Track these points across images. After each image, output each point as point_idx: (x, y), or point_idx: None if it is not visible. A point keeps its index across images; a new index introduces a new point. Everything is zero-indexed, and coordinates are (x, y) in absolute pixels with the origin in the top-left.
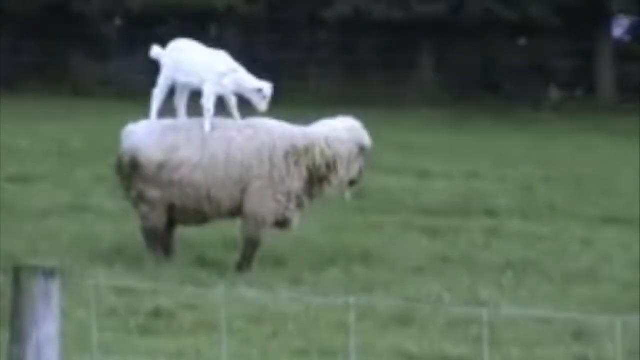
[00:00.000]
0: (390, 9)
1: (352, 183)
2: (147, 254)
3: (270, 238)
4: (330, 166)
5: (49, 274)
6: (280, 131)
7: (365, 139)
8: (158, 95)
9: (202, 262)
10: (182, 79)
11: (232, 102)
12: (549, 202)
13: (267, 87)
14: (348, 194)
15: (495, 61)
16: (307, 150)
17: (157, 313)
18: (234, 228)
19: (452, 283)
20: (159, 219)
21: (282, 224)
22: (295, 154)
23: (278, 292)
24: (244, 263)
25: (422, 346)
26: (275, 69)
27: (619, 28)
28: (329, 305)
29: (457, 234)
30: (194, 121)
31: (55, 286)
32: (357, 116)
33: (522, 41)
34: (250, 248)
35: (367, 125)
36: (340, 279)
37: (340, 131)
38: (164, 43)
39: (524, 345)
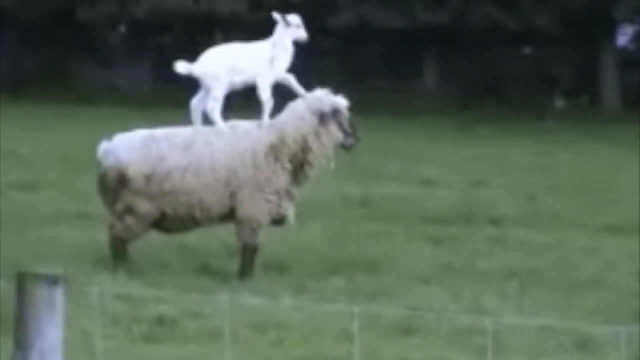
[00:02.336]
0: (394, 17)
1: (345, 147)
2: (148, 262)
3: (273, 246)
4: (305, 148)
5: (53, 281)
6: (256, 133)
7: (326, 103)
8: (217, 108)
9: (206, 270)
10: (238, 79)
11: (292, 81)
12: (553, 211)
13: (289, 18)
14: (332, 164)
15: (499, 70)
16: (282, 142)
17: (160, 321)
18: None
19: (456, 292)
20: (142, 232)
21: (278, 221)
22: (274, 151)
23: (282, 300)
24: (245, 270)
25: (426, 355)
26: None
27: (624, 36)
28: (332, 313)
29: (461, 243)
30: (173, 130)
31: (59, 294)
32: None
33: (527, 50)
34: (249, 254)
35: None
36: (344, 288)
37: (299, 108)
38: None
39: (528, 354)
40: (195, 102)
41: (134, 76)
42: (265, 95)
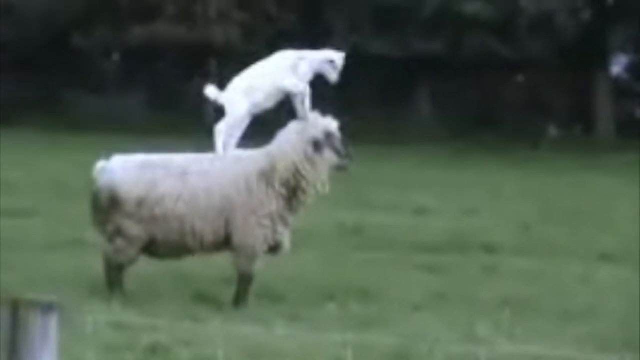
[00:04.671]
0: (388, 46)
1: (340, 168)
2: (142, 290)
3: (267, 274)
4: (296, 175)
5: (47, 309)
6: (247, 158)
7: (318, 129)
8: (224, 131)
9: (200, 297)
10: (262, 97)
11: (306, 96)
12: (546, 239)
13: (338, 57)
14: (327, 187)
15: (493, 98)
16: (272, 167)
17: (154, 349)
18: (230, 264)
19: (449, 320)
20: (134, 255)
21: (274, 248)
22: (265, 175)
23: (275, 328)
24: (240, 298)
25: None
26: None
27: (618, 65)
28: (326, 342)
29: (455, 271)
30: (170, 156)
31: (53, 321)
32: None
33: (520, 78)
34: (244, 282)
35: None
36: (338, 316)
37: (290, 136)
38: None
39: None
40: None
41: (128, 103)
42: (298, 88)
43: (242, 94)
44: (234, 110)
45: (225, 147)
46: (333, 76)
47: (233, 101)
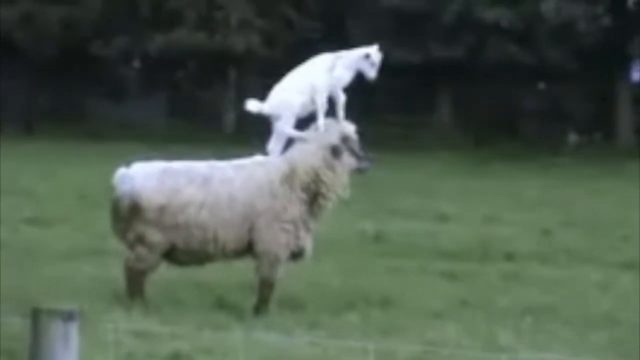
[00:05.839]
0: (409, 53)
1: (360, 171)
2: (163, 298)
3: (288, 282)
4: (316, 180)
5: (68, 317)
6: (270, 163)
7: (335, 135)
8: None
9: (221, 305)
10: (306, 100)
11: (341, 99)
12: (567, 247)
13: (374, 51)
14: (347, 191)
15: (513, 105)
16: (293, 172)
17: (175, 357)
18: (252, 271)
19: (470, 327)
20: (154, 262)
21: (297, 254)
22: (287, 180)
23: (296, 335)
24: (261, 305)
25: None
26: None
27: (638, 72)
28: (347, 349)
29: (476, 278)
30: (191, 163)
31: (73, 330)
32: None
33: (541, 85)
34: (266, 289)
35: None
36: (359, 323)
37: (306, 144)
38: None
39: None
40: (271, 147)
41: (148, 111)
42: (320, 99)
43: (283, 101)
44: (282, 117)
45: (271, 151)
46: (371, 73)
47: (277, 108)
